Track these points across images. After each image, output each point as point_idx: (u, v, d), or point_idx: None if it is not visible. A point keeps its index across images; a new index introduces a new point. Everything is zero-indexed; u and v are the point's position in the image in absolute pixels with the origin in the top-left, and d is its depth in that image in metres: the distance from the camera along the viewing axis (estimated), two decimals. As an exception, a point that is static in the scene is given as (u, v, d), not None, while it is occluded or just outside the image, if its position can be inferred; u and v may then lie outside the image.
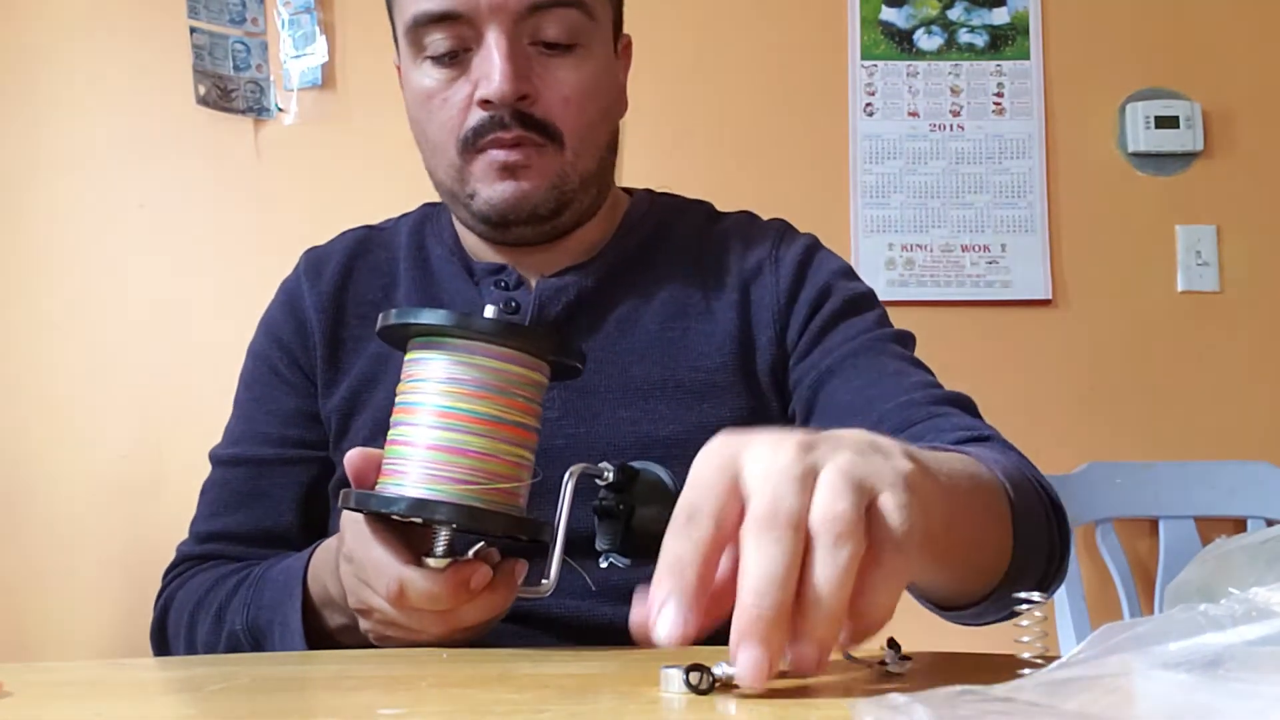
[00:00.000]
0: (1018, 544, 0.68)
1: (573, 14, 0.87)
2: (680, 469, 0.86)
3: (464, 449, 0.67)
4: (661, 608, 0.45)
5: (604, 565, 0.78)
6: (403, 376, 0.70)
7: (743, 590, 0.44)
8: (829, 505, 0.45)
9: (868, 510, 0.46)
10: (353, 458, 0.72)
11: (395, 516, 0.69)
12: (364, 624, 0.73)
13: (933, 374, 0.90)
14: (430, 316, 0.68)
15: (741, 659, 0.44)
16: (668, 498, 0.76)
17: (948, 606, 0.71)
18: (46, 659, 1.99)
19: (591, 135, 0.90)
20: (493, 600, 0.70)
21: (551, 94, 0.87)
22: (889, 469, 0.48)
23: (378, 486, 0.69)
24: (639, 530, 0.75)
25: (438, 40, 0.86)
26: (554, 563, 0.71)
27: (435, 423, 0.67)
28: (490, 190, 0.88)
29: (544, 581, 0.71)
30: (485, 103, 0.85)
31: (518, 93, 0.85)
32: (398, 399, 0.70)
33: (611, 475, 0.74)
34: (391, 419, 0.70)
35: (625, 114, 0.97)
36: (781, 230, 0.99)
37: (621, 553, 0.76)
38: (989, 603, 0.69)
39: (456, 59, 0.87)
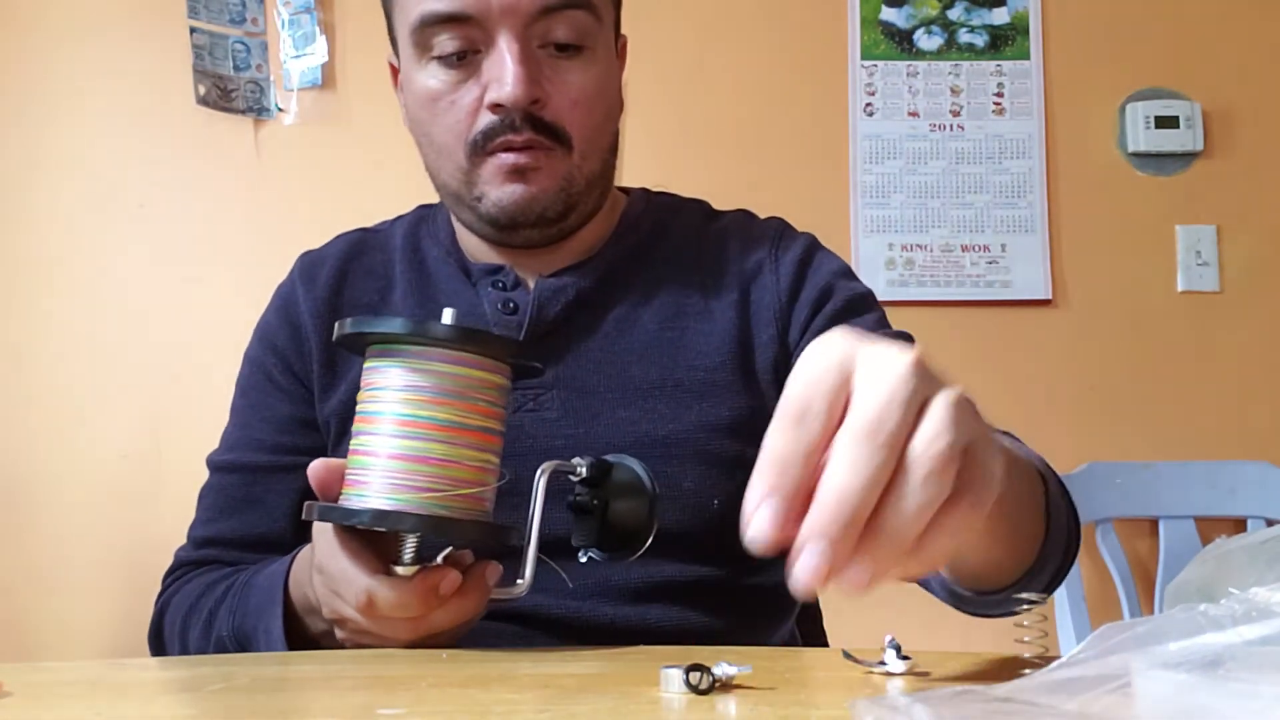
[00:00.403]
0: (1050, 528, 0.70)
1: (581, 15, 0.86)
2: (680, 468, 0.86)
3: (426, 456, 0.66)
4: (759, 505, 0.44)
5: (583, 560, 0.77)
6: (361, 385, 0.70)
7: (824, 492, 0.43)
8: (933, 439, 0.44)
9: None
10: (315, 469, 0.72)
11: (360, 528, 0.69)
12: (339, 633, 0.73)
13: None
14: (385, 325, 0.67)
15: (804, 559, 0.43)
16: (642, 490, 0.76)
17: (976, 589, 0.71)
18: (46, 659, 1.99)
19: (598, 138, 0.90)
20: (464, 604, 0.70)
21: (561, 97, 0.86)
22: (982, 424, 0.47)
23: (341, 498, 0.69)
24: (615, 524, 0.75)
25: (445, 40, 0.85)
26: (528, 562, 0.70)
27: (396, 431, 0.67)
28: (500, 192, 0.88)
29: (519, 582, 0.70)
30: (497, 106, 0.85)
31: (531, 97, 0.84)
32: (358, 409, 0.70)
33: (585, 470, 0.74)
34: (352, 429, 0.70)
35: (623, 114, 0.97)
36: (780, 229, 0.99)
37: (599, 547, 0.76)
38: (1011, 589, 0.70)
39: (464, 60, 0.86)
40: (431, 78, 0.87)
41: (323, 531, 0.72)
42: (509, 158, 0.86)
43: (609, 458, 0.76)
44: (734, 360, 0.91)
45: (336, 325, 0.70)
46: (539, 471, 0.71)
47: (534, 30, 0.85)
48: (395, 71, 0.96)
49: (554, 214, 0.89)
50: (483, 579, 0.70)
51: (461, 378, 0.67)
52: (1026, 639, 0.46)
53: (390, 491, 0.66)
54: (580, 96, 0.87)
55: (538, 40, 0.86)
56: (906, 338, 0.94)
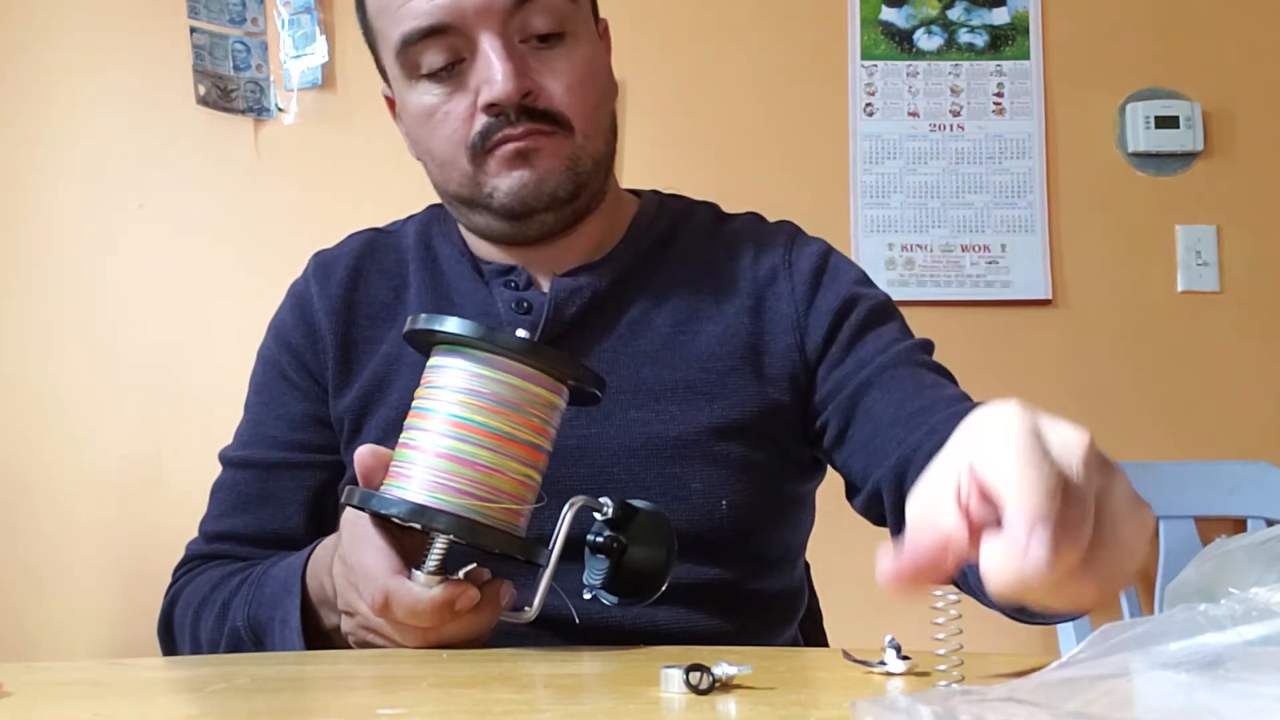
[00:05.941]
0: None
1: (556, 1, 0.87)
2: (689, 469, 0.86)
3: (472, 461, 0.67)
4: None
5: (587, 597, 0.77)
6: (422, 381, 0.70)
7: None
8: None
9: None
10: (363, 455, 0.72)
11: (395, 519, 0.69)
12: (345, 624, 0.74)
13: (956, 381, 0.91)
14: (458, 326, 0.68)
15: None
16: (661, 542, 0.76)
17: None
18: (46, 659, 1.99)
19: (597, 117, 0.91)
20: (476, 621, 0.70)
21: (553, 84, 0.87)
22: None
23: (382, 488, 0.69)
24: (628, 569, 0.75)
25: (431, 56, 0.86)
26: (540, 592, 0.70)
27: (447, 431, 0.67)
28: (508, 181, 0.88)
29: (527, 609, 0.71)
30: (490, 106, 0.85)
31: (521, 90, 0.85)
32: (414, 403, 0.70)
33: (611, 511, 0.74)
34: (405, 422, 0.70)
35: (616, 98, 0.98)
36: (792, 234, 1.00)
37: (609, 590, 0.76)
38: None
39: (453, 72, 0.87)
40: (424, 94, 0.88)
41: (352, 521, 0.72)
42: (511, 146, 0.87)
43: (635, 503, 0.76)
44: (746, 365, 0.91)
45: (409, 319, 0.70)
46: (568, 504, 0.71)
47: (513, 26, 0.86)
48: (391, 103, 0.97)
49: (564, 193, 0.89)
50: (496, 599, 0.71)
51: (522, 390, 0.68)
52: (942, 635, 0.46)
53: (432, 490, 0.67)
54: (572, 80, 0.88)
55: (519, 35, 0.86)
56: (931, 344, 0.94)
